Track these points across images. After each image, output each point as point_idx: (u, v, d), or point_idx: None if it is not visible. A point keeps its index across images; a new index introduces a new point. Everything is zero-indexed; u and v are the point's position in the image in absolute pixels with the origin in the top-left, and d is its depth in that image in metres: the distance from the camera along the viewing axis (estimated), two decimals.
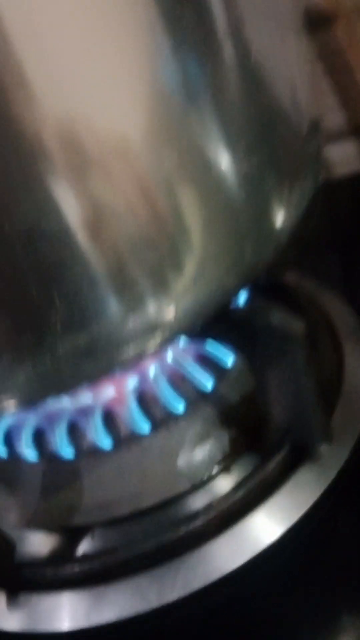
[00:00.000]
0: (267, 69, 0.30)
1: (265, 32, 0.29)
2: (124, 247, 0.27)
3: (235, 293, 0.31)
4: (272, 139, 0.30)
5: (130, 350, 0.29)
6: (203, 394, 0.37)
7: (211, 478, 0.36)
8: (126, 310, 0.28)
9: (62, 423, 0.37)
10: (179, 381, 0.37)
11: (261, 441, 0.37)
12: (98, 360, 0.28)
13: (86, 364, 0.28)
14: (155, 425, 0.37)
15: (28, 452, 0.37)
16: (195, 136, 0.27)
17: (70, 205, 0.25)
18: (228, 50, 0.27)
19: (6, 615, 0.35)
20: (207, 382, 0.37)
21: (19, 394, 0.30)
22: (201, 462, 0.37)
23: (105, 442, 0.36)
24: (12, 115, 0.23)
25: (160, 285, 0.28)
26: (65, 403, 0.38)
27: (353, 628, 0.32)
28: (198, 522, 0.34)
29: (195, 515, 0.35)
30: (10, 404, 0.30)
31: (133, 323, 0.28)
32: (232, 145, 0.28)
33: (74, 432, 0.37)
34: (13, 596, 0.36)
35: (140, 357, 0.29)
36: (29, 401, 0.31)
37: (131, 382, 0.38)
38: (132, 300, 0.27)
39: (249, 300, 0.34)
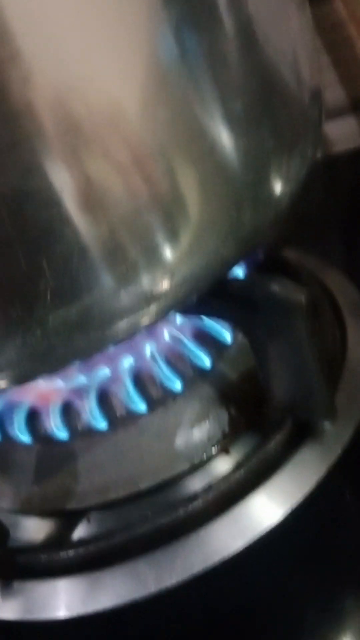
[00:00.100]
0: (268, 38, 0.28)
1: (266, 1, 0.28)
2: (116, 215, 0.26)
3: (232, 264, 0.30)
4: (271, 106, 0.29)
5: (123, 323, 0.27)
6: (201, 372, 0.36)
7: (210, 458, 0.36)
8: (119, 280, 0.26)
9: (56, 404, 0.36)
10: (176, 359, 0.36)
11: (262, 419, 0.36)
12: (90, 334, 0.27)
13: (78, 338, 0.27)
14: (152, 404, 0.36)
15: (21, 434, 0.36)
16: (190, 102, 0.26)
17: (60, 172, 0.24)
18: (227, 18, 0.26)
19: (0, 604, 0.35)
20: (205, 360, 0.36)
21: (10, 371, 0.28)
22: (200, 442, 0.36)
23: (100, 422, 0.35)
24: (3, 85, 0.22)
25: (155, 255, 0.27)
26: (59, 383, 0.37)
27: (357, 611, 0.31)
28: (197, 504, 0.34)
29: (194, 496, 0.34)
30: (1, 383, 0.29)
31: (126, 294, 0.27)
32: (229, 112, 0.27)
33: (69, 413, 0.36)
34: (7, 584, 0.35)
35: (134, 331, 0.28)
36: (20, 379, 0.30)
37: (127, 360, 0.37)
38: (125, 271, 0.26)
39: (248, 274, 0.33)
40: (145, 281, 0.27)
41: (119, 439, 0.36)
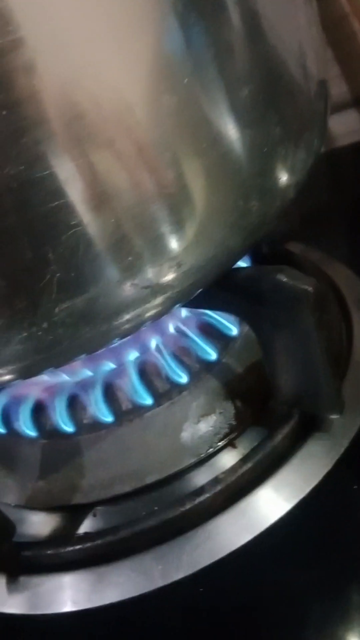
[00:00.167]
0: (275, 28, 0.28)
1: None
2: (122, 206, 0.25)
3: (239, 255, 0.30)
4: (277, 96, 0.29)
5: (130, 316, 0.27)
6: (207, 365, 0.36)
7: (216, 452, 0.35)
8: (125, 272, 0.26)
9: (62, 397, 0.36)
10: (182, 352, 0.36)
11: (268, 412, 0.36)
12: (97, 326, 0.27)
13: (84, 331, 0.27)
14: (158, 398, 0.36)
15: (27, 428, 0.36)
16: (196, 91, 0.25)
17: (65, 162, 0.24)
18: (233, 7, 0.26)
19: (6, 599, 0.35)
20: (211, 353, 0.36)
21: (15, 364, 0.28)
22: (206, 436, 0.36)
23: (106, 416, 0.35)
24: (7, 73, 0.22)
25: (161, 246, 0.27)
26: (64, 377, 0.37)
27: None
28: (203, 498, 0.33)
29: (200, 490, 0.34)
30: (8, 377, 0.29)
31: (132, 286, 0.27)
32: (235, 101, 0.27)
33: (74, 406, 0.36)
34: (13, 579, 0.35)
35: (140, 323, 0.28)
36: (26, 373, 0.30)
37: (132, 354, 0.36)
38: (131, 262, 0.26)
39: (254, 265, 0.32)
40: (151, 273, 0.27)
41: (124, 432, 0.36)
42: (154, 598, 0.32)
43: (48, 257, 0.25)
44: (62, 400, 0.36)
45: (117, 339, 0.29)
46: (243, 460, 0.34)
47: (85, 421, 0.36)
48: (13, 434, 0.37)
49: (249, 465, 0.34)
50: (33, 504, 0.37)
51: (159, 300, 0.28)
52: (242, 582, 0.33)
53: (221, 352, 0.37)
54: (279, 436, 0.34)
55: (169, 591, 0.32)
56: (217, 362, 0.36)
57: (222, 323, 0.37)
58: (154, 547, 0.33)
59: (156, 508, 0.34)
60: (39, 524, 0.37)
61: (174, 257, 0.27)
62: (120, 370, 0.36)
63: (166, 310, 0.29)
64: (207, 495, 0.33)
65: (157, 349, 0.37)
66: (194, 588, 0.32)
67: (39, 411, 0.37)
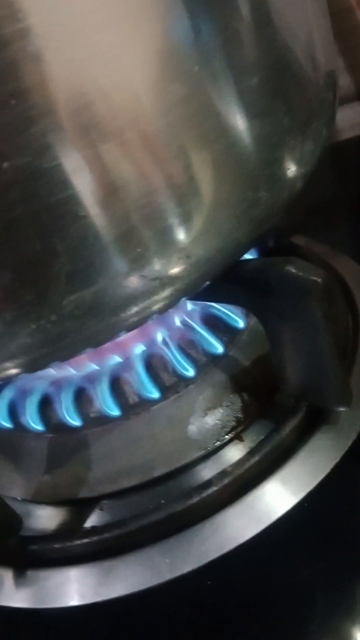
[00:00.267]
0: (283, 17, 0.28)
1: None
2: (130, 197, 0.25)
3: (247, 246, 0.29)
4: (285, 86, 0.28)
5: (137, 308, 0.27)
6: (214, 358, 0.36)
7: (223, 445, 0.35)
8: (133, 263, 0.26)
9: (69, 391, 0.36)
10: (188, 346, 0.36)
11: (275, 405, 0.35)
12: (105, 318, 0.27)
13: (92, 323, 0.27)
14: (165, 391, 0.36)
15: (33, 422, 0.36)
16: (205, 80, 0.25)
17: (72, 153, 0.23)
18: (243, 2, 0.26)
19: (13, 593, 0.35)
20: (217, 346, 0.36)
21: (23, 358, 0.28)
22: (213, 429, 0.35)
23: (113, 410, 0.35)
24: (15, 62, 0.21)
25: (169, 237, 0.26)
26: (71, 370, 0.36)
27: None
28: (210, 491, 0.33)
29: (207, 484, 0.34)
30: (15, 370, 0.28)
31: (140, 278, 0.26)
32: (244, 90, 0.26)
33: (81, 400, 0.36)
34: (20, 573, 0.35)
35: (148, 316, 0.28)
36: (33, 366, 0.29)
37: (139, 347, 0.36)
38: (140, 253, 0.26)
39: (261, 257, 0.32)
40: (159, 264, 0.26)
41: (131, 426, 0.36)
42: (161, 591, 0.32)
43: (56, 248, 0.24)
44: (68, 394, 0.36)
45: (124, 331, 0.28)
46: (250, 454, 0.34)
47: (91, 415, 0.36)
48: (19, 428, 0.37)
49: (256, 458, 0.34)
50: (40, 498, 0.37)
51: (167, 292, 0.27)
52: (249, 576, 0.32)
53: (227, 345, 0.36)
54: (286, 429, 0.34)
55: (177, 585, 0.32)
56: (223, 355, 0.36)
57: (228, 316, 0.37)
58: (161, 541, 0.33)
59: (163, 501, 0.34)
60: (46, 518, 0.36)
61: (182, 249, 0.27)
62: (126, 364, 0.36)
63: (173, 302, 0.29)
64: (214, 488, 0.33)
65: (164, 342, 0.36)
66: (201, 581, 0.32)
67: (46, 405, 0.36)
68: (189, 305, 0.38)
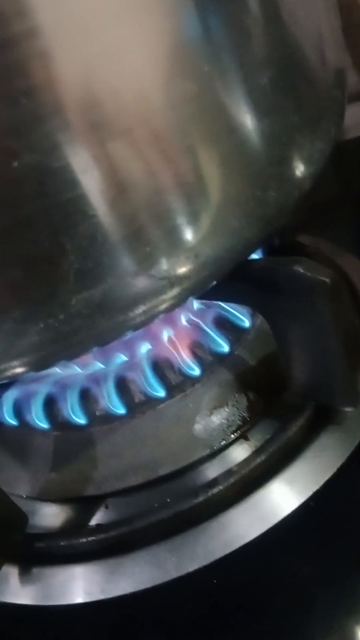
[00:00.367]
0: (293, 15, 0.28)
1: None
2: (139, 195, 0.25)
3: (256, 246, 0.29)
4: (295, 84, 0.28)
5: (146, 306, 0.27)
6: (220, 357, 0.36)
7: (229, 444, 0.35)
8: (142, 262, 0.26)
9: (74, 390, 0.36)
10: (194, 345, 0.36)
11: (281, 405, 0.35)
12: (113, 316, 0.27)
13: (100, 321, 0.27)
14: (171, 390, 0.36)
15: (39, 420, 0.36)
16: (214, 77, 0.25)
17: (82, 151, 0.23)
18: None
19: (19, 590, 0.35)
20: (223, 345, 0.36)
21: (30, 356, 0.28)
22: (219, 428, 0.35)
23: (119, 408, 0.35)
24: (24, 60, 0.21)
25: (178, 236, 0.26)
26: (77, 369, 0.36)
27: None
28: (216, 490, 0.33)
29: (213, 482, 0.34)
30: (22, 368, 0.28)
31: (149, 277, 0.26)
32: (253, 88, 0.26)
33: (87, 398, 0.36)
34: (26, 570, 0.35)
35: (156, 314, 0.28)
36: (40, 364, 0.29)
37: (145, 346, 0.36)
38: (148, 252, 0.26)
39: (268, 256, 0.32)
40: (168, 263, 0.26)
41: (137, 425, 0.36)
42: (167, 589, 0.32)
43: (65, 247, 0.24)
44: (74, 393, 0.36)
45: (131, 330, 0.28)
46: (256, 453, 0.34)
47: (97, 413, 0.36)
48: (26, 425, 0.37)
49: (262, 457, 0.34)
50: (45, 496, 0.37)
51: (174, 291, 0.27)
52: (255, 574, 0.33)
53: (234, 344, 0.36)
54: (292, 429, 0.34)
55: (183, 583, 0.32)
56: (229, 355, 0.36)
57: (234, 315, 0.37)
58: (167, 539, 0.33)
59: (169, 500, 0.34)
60: (52, 515, 0.37)
61: (191, 248, 0.27)
62: (132, 363, 0.36)
63: (181, 301, 0.29)
64: (220, 487, 0.33)
65: (170, 341, 0.36)
66: (207, 579, 0.32)
67: (51, 403, 0.36)
68: (196, 304, 0.38)
